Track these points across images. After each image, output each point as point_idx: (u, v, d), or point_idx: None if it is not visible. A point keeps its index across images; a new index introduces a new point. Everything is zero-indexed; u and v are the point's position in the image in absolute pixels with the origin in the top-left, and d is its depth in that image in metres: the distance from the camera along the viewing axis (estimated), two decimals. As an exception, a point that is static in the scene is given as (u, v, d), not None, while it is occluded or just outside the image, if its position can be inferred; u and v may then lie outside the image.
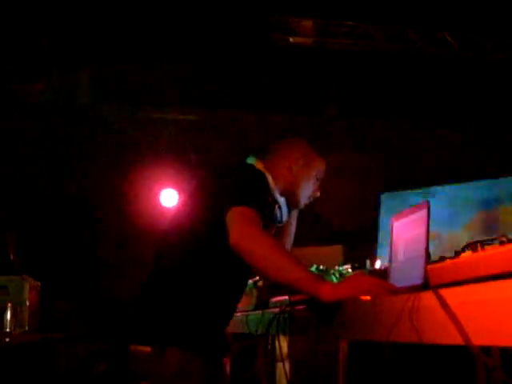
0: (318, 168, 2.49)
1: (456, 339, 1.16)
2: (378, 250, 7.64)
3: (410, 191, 7.66)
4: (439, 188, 7.71)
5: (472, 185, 7.72)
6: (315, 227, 6.43)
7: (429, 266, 1.50)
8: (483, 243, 1.34)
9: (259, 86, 6.83)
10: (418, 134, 7.68)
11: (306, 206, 2.53)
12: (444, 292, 1.25)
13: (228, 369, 4.54)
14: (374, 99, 7.19)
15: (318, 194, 2.52)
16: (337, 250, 3.54)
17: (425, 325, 1.29)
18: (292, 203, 2.46)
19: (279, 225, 2.42)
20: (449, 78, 7.13)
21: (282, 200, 2.38)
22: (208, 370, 2.14)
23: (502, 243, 1.27)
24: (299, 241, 2.91)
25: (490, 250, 1.30)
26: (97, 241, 6.43)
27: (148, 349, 2.13)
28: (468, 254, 1.39)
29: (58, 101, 6.46)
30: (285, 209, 2.41)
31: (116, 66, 6.45)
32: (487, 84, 7.10)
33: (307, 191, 2.47)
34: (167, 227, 2.35)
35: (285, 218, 2.43)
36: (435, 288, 1.25)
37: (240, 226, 2.03)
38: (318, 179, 2.50)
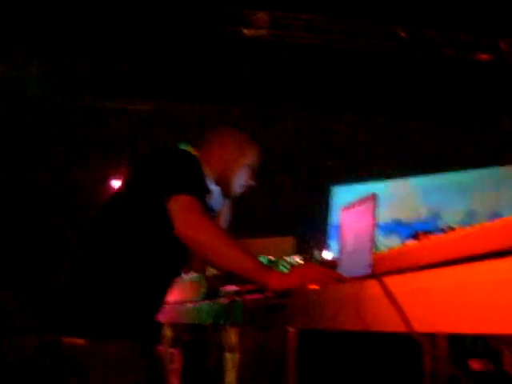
0: (251, 156, 2.45)
1: (399, 327, 1.17)
2: (329, 242, 7.75)
3: (360, 183, 7.78)
4: (387, 182, 7.88)
5: (419, 178, 7.89)
6: (267, 219, 6.46)
7: (374, 255, 1.53)
8: (427, 232, 1.36)
9: (214, 78, 6.82)
10: (368, 128, 7.76)
11: (240, 194, 2.50)
12: (388, 280, 1.26)
13: (178, 359, 4.55)
14: (330, 92, 7.24)
15: (252, 182, 2.50)
16: (288, 241, 3.54)
17: (369, 313, 1.30)
18: (225, 192, 2.42)
19: (212, 214, 2.37)
20: (402, 73, 7.22)
21: (215, 189, 2.36)
22: (143, 359, 2.10)
23: (444, 232, 1.30)
24: (251, 232, 2.91)
25: (433, 239, 1.33)
26: (46, 230, 6.35)
27: (81, 341, 2.08)
28: (412, 242, 1.42)
29: (9, 91, 6.36)
30: (218, 198, 2.39)
31: (66, 57, 6.37)
32: (440, 80, 7.22)
33: (240, 179, 2.43)
34: (100, 213, 2.28)
35: (218, 206, 2.40)
36: (379, 276, 1.27)
37: (186, 215, 2.01)
38: (250, 167, 2.47)
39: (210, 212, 2.30)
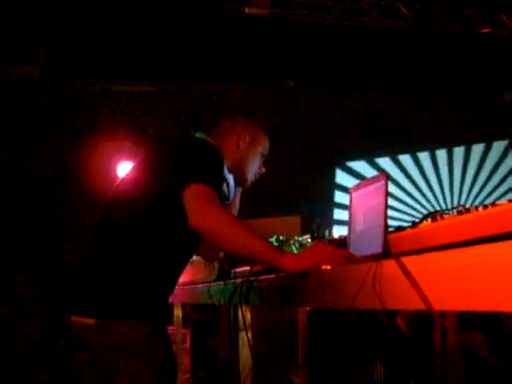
0: (263, 144, 2.51)
1: (417, 305, 1.20)
2: (334, 220, 7.77)
3: (365, 161, 7.80)
4: (391, 158, 7.89)
5: (421, 154, 7.91)
6: (271, 199, 6.49)
7: (389, 235, 1.55)
8: (442, 213, 1.38)
9: (216, 57, 6.81)
10: (373, 103, 7.76)
11: (252, 183, 2.55)
12: (405, 260, 1.29)
13: (188, 339, 4.60)
14: (330, 69, 7.23)
15: (264, 170, 2.54)
16: (295, 220, 3.57)
17: (387, 291, 1.33)
18: (240, 180, 2.47)
19: (226, 202, 2.42)
20: (402, 49, 7.21)
21: (230, 177, 2.40)
22: (152, 339, 2.13)
23: (459, 213, 1.32)
24: (256, 212, 2.93)
25: (449, 220, 1.35)
26: (56, 214, 6.38)
27: (91, 321, 2.12)
28: (427, 223, 1.44)
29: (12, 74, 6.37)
30: (232, 187, 2.42)
31: (70, 40, 6.36)
32: (443, 55, 7.21)
33: (254, 167, 2.48)
34: (114, 197, 2.31)
35: (232, 195, 2.44)
36: (397, 255, 1.29)
37: (199, 205, 2.03)
38: (263, 155, 2.52)
39: (224, 200, 2.35)
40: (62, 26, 6.13)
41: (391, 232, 1.71)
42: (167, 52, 6.73)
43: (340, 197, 7.48)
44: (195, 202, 2.04)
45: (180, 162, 2.18)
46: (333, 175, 7.69)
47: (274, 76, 7.18)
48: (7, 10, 5.83)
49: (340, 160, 7.74)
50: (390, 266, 1.32)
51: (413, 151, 7.77)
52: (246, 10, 6.44)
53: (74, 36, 6.36)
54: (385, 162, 7.77)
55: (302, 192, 7.13)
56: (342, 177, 7.61)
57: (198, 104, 6.93)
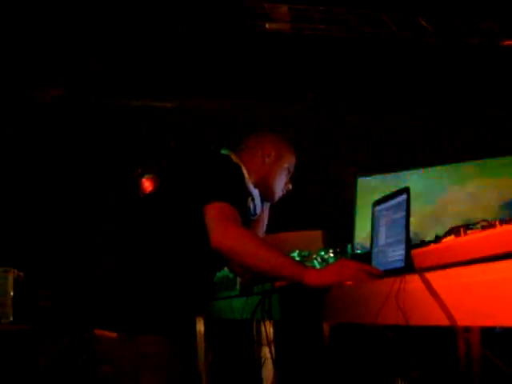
0: (290, 160, 2.53)
1: (442, 320, 1.20)
2: (356, 235, 7.72)
3: (386, 174, 7.75)
4: (413, 171, 7.82)
5: (443, 168, 7.83)
6: (293, 212, 6.48)
7: (413, 251, 1.55)
8: (466, 228, 1.38)
9: (238, 72, 6.83)
10: (394, 118, 7.74)
11: (279, 198, 2.56)
12: (428, 275, 1.29)
13: (209, 354, 4.59)
14: (351, 85, 7.23)
15: (290, 186, 2.56)
16: (316, 235, 3.56)
17: (411, 307, 1.33)
18: (266, 196, 2.50)
19: (253, 218, 2.44)
20: (425, 63, 7.19)
21: (255, 192, 2.41)
22: (175, 355, 2.15)
23: (483, 228, 1.32)
24: (277, 227, 2.94)
25: (473, 235, 1.35)
26: (80, 228, 6.42)
27: (114, 334, 2.14)
28: (451, 238, 1.44)
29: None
30: (258, 202, 2.44)
31: (94, 56, 6.42)
32: (466, 68, 7.18)
33: (280, 183, 2.51)
34: (138, 213, 2.35)
35: (258, 210, 2.45)
36: (421, 270, 1.29)
37: (220, 225, 2.05)
38: (289, 172, 2.54)
39: (250, 215, 2.36)
40: (85, 44, 6.20)
41: (414, 247, 1.70)
42: (189, 66, 6.77)
43: (361, 211, 7.43)
44: (215, 221, 2.06)
45: (202, 181, 2.20)
46: (355, 189, 7.66)
47: (295, 90, 7.19)
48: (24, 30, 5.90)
49: (362, 173, 7.72)
50: (413, 281, 1.32)
51: (437, 165, 7.71)
52: (267, 25, 6.47)
53: (98, 53, 6.42)
54: (408, 176, 7.72)
55: (323, 205, 7.12)
56: (363, 190, 7.57)
57: (220, 119, 6.96)
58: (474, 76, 7.26)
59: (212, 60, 6.67)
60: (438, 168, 8.04)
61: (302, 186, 2.89)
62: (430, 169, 8.15)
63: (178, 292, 2.20)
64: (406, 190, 1.81)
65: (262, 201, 2.49)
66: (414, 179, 8.10)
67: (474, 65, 7.22)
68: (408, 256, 1.65)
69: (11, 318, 3.91)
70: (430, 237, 1.79)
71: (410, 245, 1.72)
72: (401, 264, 1.71)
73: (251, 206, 2.36)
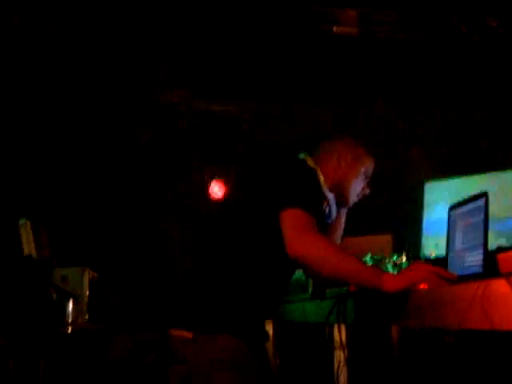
0: (367, 165, 2.52)
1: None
2: (423, 239, 7.62)
3: (453, 178, 7.63)
4: (484, 175, 7.67)
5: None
6: (362, 216, 6.45)
7: (499, 255, 1.55)
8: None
9: (307, 77, 6.84)
10: (463, 120, 7.62)
11: (355, 203, 2.55)
12: (513, 280, 1.29)
13: (278, 356, 4.61)
14: (420, 89, 7.16)
15: (368, 191, 2.55)
16: (387, 239, 3.56)
17: (496, 311, 1.33)
18: (341, 200, 2.49)
19: (329, 222, 2.45)
20: (493, 65, 7.07)
21: (331, 197, 2.41)
22: (247, 354, 2.17)
23: None
24: (346, 231, 2.94)
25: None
26: (151, 231, 6.52)
27: (190, 334, 2.17)
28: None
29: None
30: (334, 206, 2.43)
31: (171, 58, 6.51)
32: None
33: (356, 188, 2.50)
34: (215, 216, 2.38)
35: (334, 215, 2.45)
36: (508, 275, 1.29)
37: (295, 232, 2.07)
38: (366, 177, 2.53)
39: (326, 219, 2.37)
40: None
41: (493, 252, 1.69)
42: (260, 72, 6.81)
43: (429, 215, 7.34)
44: (291, 229, 2.07)
45: (277, 186, 2.22)
46: (422, 192, 7.57)
47: (363, 95, 7.16)
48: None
49: (430, 177, 7.61)
50: (499, 285, 1.31)
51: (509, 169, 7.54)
52: (334, 28, 6.46)
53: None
54: (477, 180, 7.58)
55: (392, 209, 7.06)
56: (431, 194, 7.48)
57: (287, 123, 6.98)
58: None
59: (282, 65, 6.70)
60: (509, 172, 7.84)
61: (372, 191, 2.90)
62: (499, 173, 7.97)
63: (253, 294, 2.23)
64: (485, 194, 1.80)
65: (338, 205, 2.48)
66: (484, 183, 7.92)
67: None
68: (486, 261, 1.65)
69: (87, 317, 4.01)
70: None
71: (489, 250, 1.71)
72: (479, 269, 1.71)
73: (327, 210, 2.36)
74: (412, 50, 6.85)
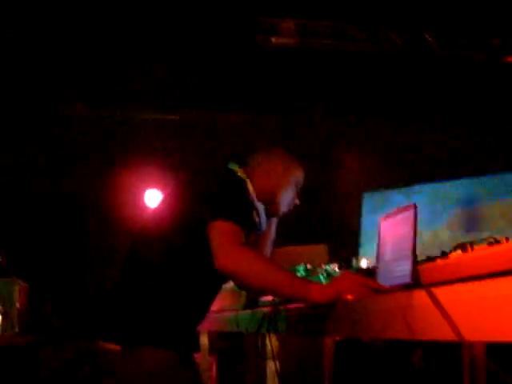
0: (297, 176, 2.51)
1: (448, 335, 1.21)
2: (361, 249, 7.70)
3: (391, 190, 7.74)
4: (420, 186, 7.81)
5: (452, 183, 7.83)
6: (298, 226, 6.48)
7: (420, 266, 1.56)
8: (472, 244, 1.39)
9: (244, 87, 6.86)
10: (399, 132, 7.75)
11: (285, 214, 2.55)
12: (435, 290, 1.30)
13: (214, 367, 4.59)
14: (357, 99, 7.26)
15: (298, 202, 2.54)
16: (322, 249, 3.57)
17: (417, 322, 1.34)
18: (271, 211, 2.46)
19: (258, 232, 2.42)
20: (430, 77, 7.22)
21: (261, 207, 2.38)
22: (178, 368, 2.15)
23: (490, 244, 1.33)
24: (283, 240, 2.94)
25: (479, 251, 1.36)
26: (84, 240, 6.44)
27: (117, 347, 2.14)
28: (458, 254, 1.45)
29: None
30: (263, 216, 2.41)
31: (100, 69, 6.46)
32: (470, 83, 7.20)
33: (287, 199, 2.48)
34: (144, 227, 2.35)
35: (264, 225, 2.43)
36: (428, 286, 1.30)
37: (223, 245, 2.04)
38: (297, 187, 2.52)
39: (256, 230, 2.35)
40: (95, 57, 6.25)
41: (421, 262, 1.71)
42: (197, 81, 6.81)
43: (367, 226, 7.41)
44: (218, 241, 2.05)
45: (204, 198, 2.20)
46: (360, 203, 7.65)
47: (302, 104, 7.22)
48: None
49: (368, 188, 7.70)
50: (420, 296, 1.33)
51: (443, 181, 7.68)
52: (273, 39, 6.50)
53: (105, 66, 6.46)
54: (414, 191, 7.69)
55: (328, 219, 7.12)
56: (369, 204, 7.56)
57: (225, 133, 6.99)
58: (479, 90, 7.29)
59: (219, 74, 6.70)
60: (445, 184, 8.00)
61: (309, 200, 2.91)
62: (435, 184, 8.12)
63: (181, 306, 2.20)
64: (414, 206, 1.81)
65: (268, 215, 2.47)
66: (419, 194, 8.06)
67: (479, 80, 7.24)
68: (414, 272, 1.66)
69: (17, 330, 3.92)
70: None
71: (417, 261, 1.72)
72: (406, 279, 1.72)
73: (256, 220, 2.35)
74: (350, 61, 6.95)
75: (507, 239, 1.29)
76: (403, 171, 7.49)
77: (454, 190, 7.83)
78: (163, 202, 2.37)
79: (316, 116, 7.42)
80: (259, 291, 2.41)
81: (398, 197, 7.68)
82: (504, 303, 1.10)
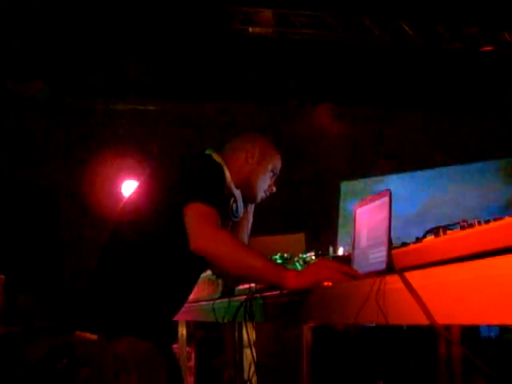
0: (274, 162, 2.49)
1: (421, 319, 1.21)
2: (339, 237, 7.75)
3: (368, 179, 7.79)
4: (396, 176, 7.87)
5: (426, 172, 7.89)
6: (276, 215, 6.49)
7: (393, 251, 1.56)
8: (445, 228, 1.39)
9: (220, 76, 6.84)
10: (378, 122, 7.78)
11: (262, 200, 2.54)
12: (408, 275, 1.30)
13: (192, 357, 4.59)
14: (334, 88, 7.26)
15: (274, 188, 2.52)
16: (299, 237, 3.56)
17: (391, 307, 1.34)
18: (248, 197, 2.46)
19: (235, 219, 2.41)
20: (406, 66, 7.24)
21: (238, 193, 2.37)
22: (154, 356, 2.14)
23: (462, 228, 1.33)
24: (261, 230, 2.93)
25: (452, 235, 1.36)
26: (60, 230, 6.40)
27: (94, 336, 2.13)
28: (431, 238, 1.44)
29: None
30: (241, 203, 2.40)
31: (76, 59, 6.41)
32: (446, 72, 7.24)
33: (263, 185, 2.47)
34: (120, 216, 2.33)
35: (241, 211, 2.42)
36: (401, 271, 1.30)
37: (198, 227, 2.03)
38: (274, 174, 2.50)
39: (233, 216, 2.34)
40: (69, 44, 6.19)
41: (395, 248, 1.71)
42: (172, 71, 6.78)
43: (345, 213, 7.44)
44: (194, 224, 2.04)
45: (180, 182, 2.18)
46: (338, 191, 7.67)
47: (277, 94, 7.21)
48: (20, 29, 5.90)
49: (346, 176, 7.72)
50: (393, 281, 1.33)
51: (420, 169, 7.73)
52: (250, 29, 6.49)
53: (80, 55, 6.42)
54: (391, 180, 7.74)
55: (307, 208, 7.13)
56: (347, 193, 7.59)
57: (202, 122, 6.97)
58: (457, 79, 7.33)
59: (194, 64, 6.68)
60: (421, 173, 8.06)
61: (287, 188, 2.90)
62: (412, 173, 8.18)
63: (157, 294, 2.19)
64: (389, 192, 1.80)
65: (245, 202, 2.46)
66: (397, 183, 8.13)
67: (456, 69, 7.28)
68: (389, 258, 1.65)
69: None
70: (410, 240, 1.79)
71: (391, 247, 1.72)
72: (381, 266, 1.71)
73: (234, 206, 2.34)
74: (328, 50, 6.95)
75: (479, 222, 1.29)
76: (381, 160, 7.52)
77: (425, 179, 7.88)
78: (139, 188, 2.35)
79: (291, 105, 7.42)
80: (234, 276, 2.39)
81: (374, 186, 7.75)
82: (476, 286, 1.10)
